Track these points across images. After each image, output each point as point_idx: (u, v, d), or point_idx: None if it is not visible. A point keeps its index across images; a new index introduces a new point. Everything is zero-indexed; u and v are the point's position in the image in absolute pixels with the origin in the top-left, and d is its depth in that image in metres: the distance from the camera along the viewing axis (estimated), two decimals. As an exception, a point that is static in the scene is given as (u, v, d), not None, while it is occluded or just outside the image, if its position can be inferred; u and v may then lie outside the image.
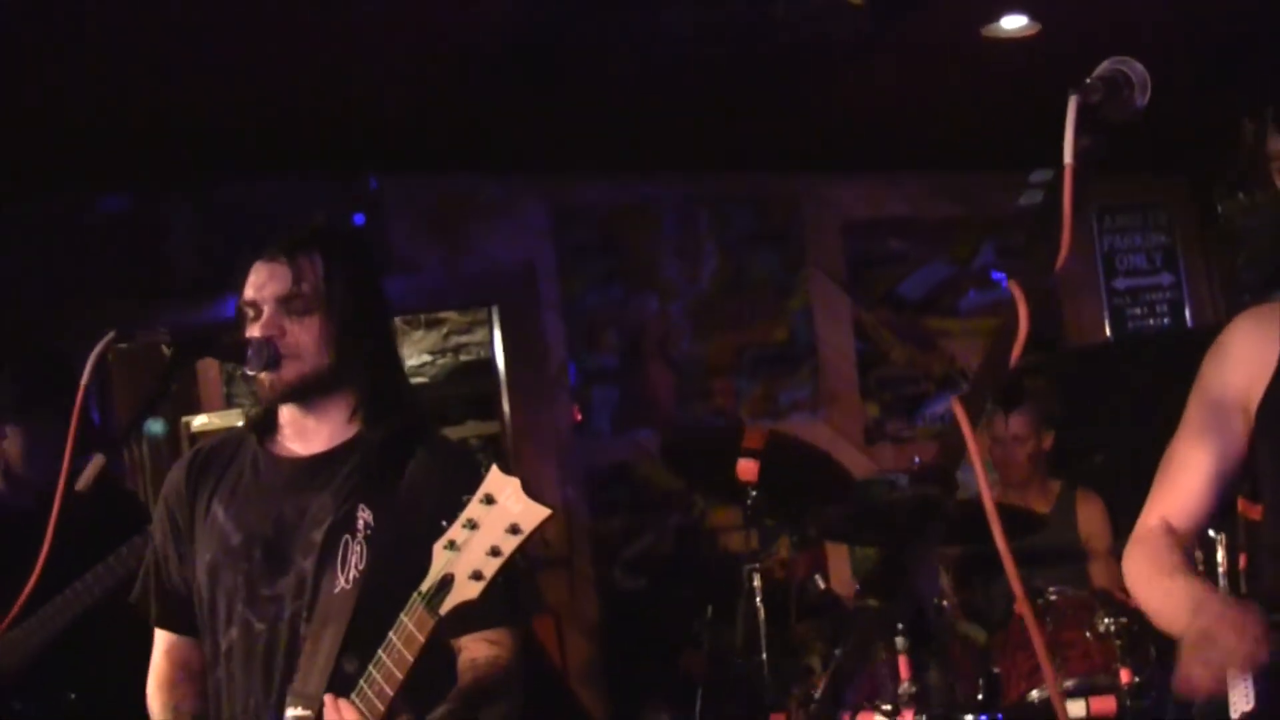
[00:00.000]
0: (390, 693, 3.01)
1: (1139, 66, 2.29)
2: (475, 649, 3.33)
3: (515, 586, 3.25)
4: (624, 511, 7.65)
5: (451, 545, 2.93)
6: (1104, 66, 2.29)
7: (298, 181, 6.93)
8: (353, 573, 3.30)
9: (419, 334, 9.96)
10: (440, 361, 10.17)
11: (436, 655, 3.17)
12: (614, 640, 7.48)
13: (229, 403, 9.68)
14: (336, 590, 3.29)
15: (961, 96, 6.89)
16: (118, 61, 5.36)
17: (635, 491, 7.64)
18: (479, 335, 10.03)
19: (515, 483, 2.88)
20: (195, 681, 3.56)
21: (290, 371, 3.35)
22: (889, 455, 8.05)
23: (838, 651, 5.56)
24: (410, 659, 2.98)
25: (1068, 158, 2.14)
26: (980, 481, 1.87)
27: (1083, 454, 6.86)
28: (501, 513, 2.88)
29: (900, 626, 4.05)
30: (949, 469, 1.87)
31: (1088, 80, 2.26)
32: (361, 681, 3.05)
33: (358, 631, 3.17)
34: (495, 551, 2.88)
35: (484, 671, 3.30)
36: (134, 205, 6.91)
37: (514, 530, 2.87)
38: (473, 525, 2.90)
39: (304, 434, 3.48)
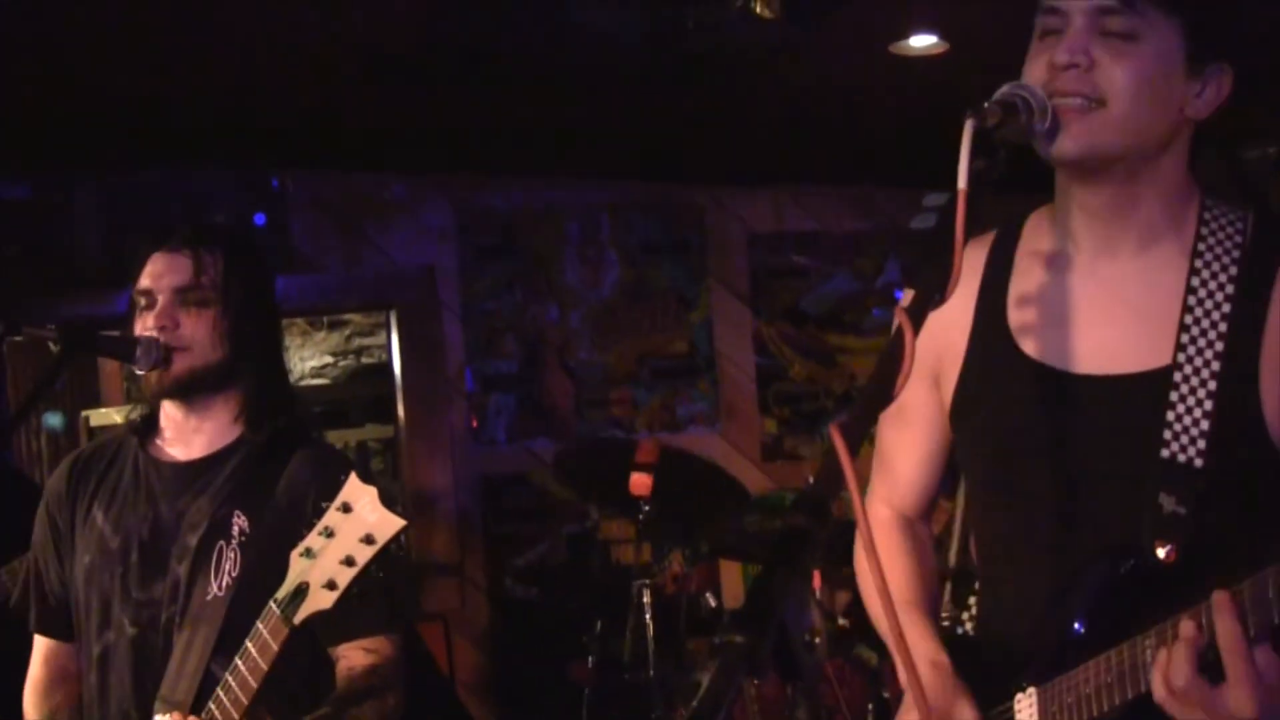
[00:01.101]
0: (245, 701, 3.00)
1: (1040, 92, 2.28)
2: (353, 657, 3.31)
3: (391, 593, 3.23)
4: (517, 520, 7.59)
5: (308, 553, 2.92)
6: (1003, 90, 2.27)
7: (203, 175, 6.84)
8: (226, 579, 3.27)
9: (321, 335, 9.88)
10: (342, 363, 10.09)
11: (315, 664, 3.14)
12: (503, 649, 7.43)
13: (129, 397, 9.54)
14: (209, 597, 3.26)
15: (869, 112, 6.88)
16: (22, 47, 5.26)
17: (529, 500, 7.59)
18: (380, 338, 9.97)
19: (372, 492, 2.88)
20: (72, 688, 3.53)
21: (180, 365, 3.33)
22: (786, 472, 8.02)
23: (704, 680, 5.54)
24: (265, 667, 2.96)
25: (961, 182, 2.09)
26: (857, 509, 1.83)
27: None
28: (357, 522, 2.87)
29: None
30: (824, 498, 1.81)
31: (985, 104, 2.22)
32: (219, 689, 3.04)
33: (229, 638, 3.16)
34: (350, 561, 2.87)
35: (360, 677, 3.28)
36: (37, 194, 6.80)
37: (369, 540, 2.86)
38: (329, 533, 2.90)
39: (185, 436, 3.46)
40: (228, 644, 3.16)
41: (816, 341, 8.21)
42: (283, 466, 3.37)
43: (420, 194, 7.62)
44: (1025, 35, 2.47)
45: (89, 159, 6.70)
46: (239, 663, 3.00)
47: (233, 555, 3.29)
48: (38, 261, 6.76)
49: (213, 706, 3.04)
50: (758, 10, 5.33)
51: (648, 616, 5.54)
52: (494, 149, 7.31)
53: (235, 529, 3.31)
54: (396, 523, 2.87)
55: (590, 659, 6.02)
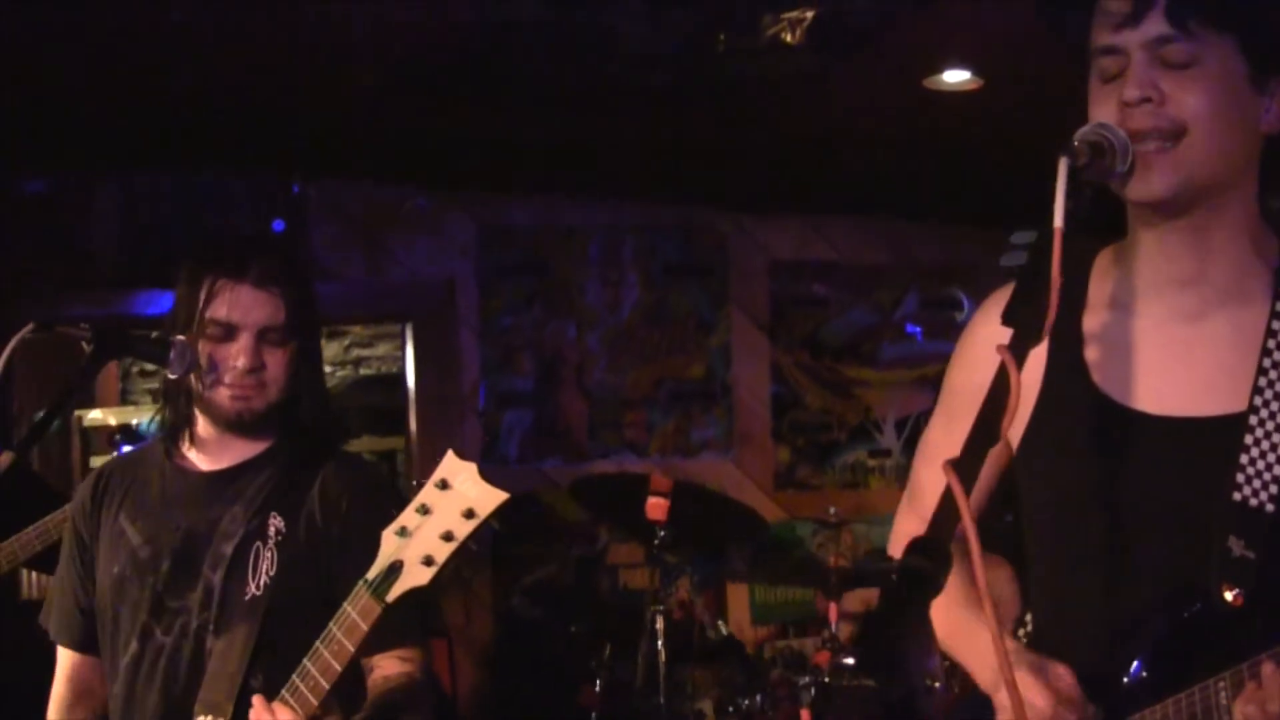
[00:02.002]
0: (326, 685, 2.98)
1: (1121, 133, 2.25)
2: (387, 666, 3.32)
3: (426, 603, 3.22)
4: (526, 538, 7.56)
5: (403, 531, 2.90)
6: (1087, 130, 2.24)
7: (223, 179, 6.82)
8: (263, 579, 3.29)
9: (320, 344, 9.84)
10: (340, 373, 10.09)
11: (350, 674, 3.13)
12: (507, 668, 7.39)
13: (124, 399, 9.54)
14: (247, 597, 3.27)
15: (898, 144, 6.86)
16: (48, 45, 5.24)
17: (539, 519, 7.55)
18: (381, 349, 9.96)
19: (471, 467, 2.88)
20: (96, 703, 3.54)
21: (260, 402, 3.39)
22: (797, 501, 7.99)
23: (745, 702, 5.53)
24: (351, 649, 2.94)
25: (1057, 221, 2.06)
26: (974, 554, 1.78)
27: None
28: (456, 497, 2.86)
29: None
30: (942, 541, 1.77)
31: (1074, 142, 2.19)
32: (295, 676, 3.01)
33: (267, 638, 3.19)
34: (449, 536, 2.86)
35: (397, 685, 3.30)
36: (56, 189, 6.79)
37: (469, 515, 2.85)
38: (425, 510, 2.88)
39: (218, 448, 3.47)
40: (266, 642, 3.19)
41: (833, 372, 8.20)
42: (314, 474, 3.41)
43: (442, 208, 7.59)
44: (1070, 77, 2.45)
45: (110, 158, 6.68)
46: (320, 647, 2.98)
47: (269, 555, 3.32)
48: (54, 258, 6.74)
49: (287, 694, 3.01)
50: (786, 38, 5.32)
51: (660, 643, 5.50)
52: (518, 166, 7.29)
53: (271, 529, 3.34)
54: (499, 495, 2.86)
55: (598, 683, 5.98)
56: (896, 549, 2.81)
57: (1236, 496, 2.31)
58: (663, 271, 7.93)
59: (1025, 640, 2.64)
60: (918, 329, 8.34)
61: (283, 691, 3.02)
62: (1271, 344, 2.37)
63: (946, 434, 2.69)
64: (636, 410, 7.86)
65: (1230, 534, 2.30)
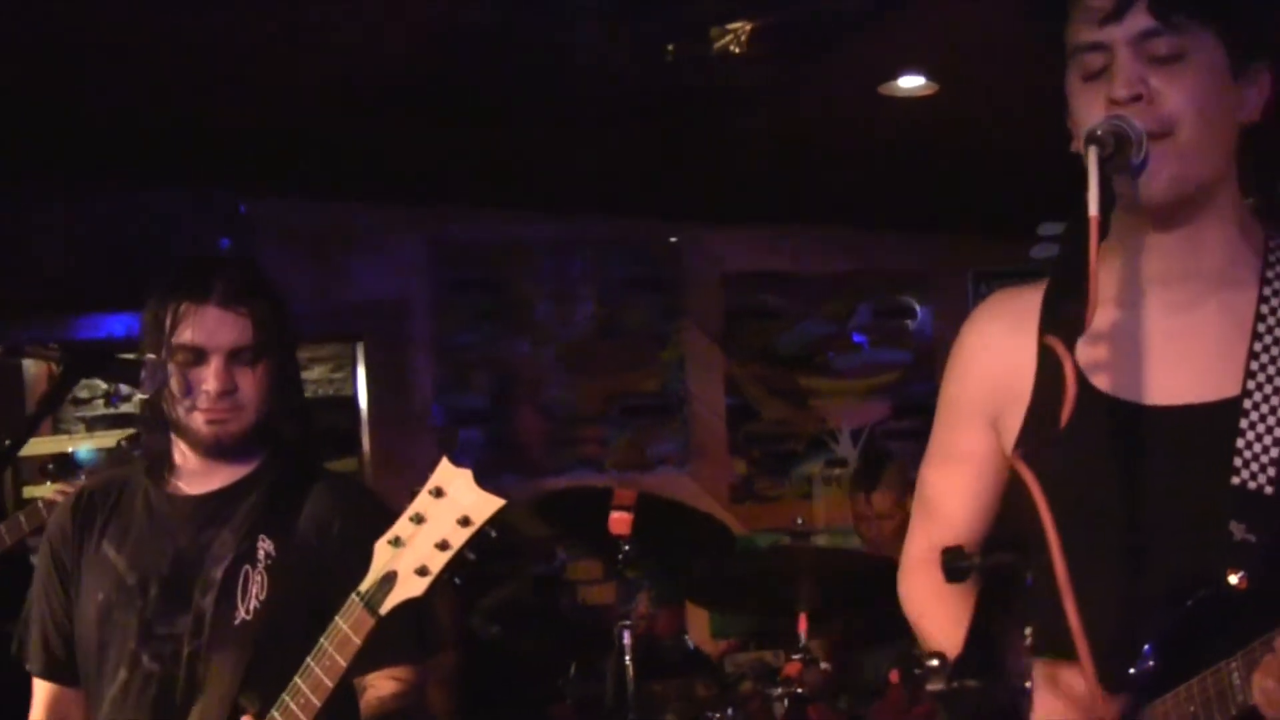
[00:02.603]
0: (318, 703, 2.92)
1: (1137, 123, 2.23)
2: (381, 686, 3.28)
3: (422, 620, 3.18)
4: (483, 558, 7.48)
5: (396, 541, 2.84)
6: (1106, 120, 2.22)
7: (168, 198, 6.74)
8: (253, 602, 3.24)
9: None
10: (283, 394, 9.97)
11: (342, 694, 3.07)
12: (470, 689, 7.31)
13: (56, 428, 9.40)
14: (236, 621, 3.22)
15: (853, 152, 6.84)
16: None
17: (497, 537, 7.47)
18: (317, 372, 9.86)
19: (466, 474, 2.85)
20: None
21: (236, 425, 3.32)
22: (755, 514, 7.97)
23: (716, 715, 5.48)
24: (344, 665, 2.89)
25: (1092, 210, 2.04)
26: (1054, 547, 1.74)
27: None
28: (451, 505, 2.82)
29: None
30: (1022, 536, 1.75)
31: (1098, 132, 2.17)
32: (285, 694, 2.96)
33: (258, 662, 3.14)
34: (444, 545, 2.81)
35: (391, 707, 3.26)
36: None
37: (465, 522, 2.81)
38: (419, 519, 2.83)
39: (202, 471, 3.40)
40: (257, 667, 3.14)
41: (788, 383, 8.18)
42: (303, 496, 3.36)
43: (392, 225, 7.54)
44: (1026, 83, 2.42)
45: (51, 177, 6.59)
46: (311, 663, 2.92)
47: (259, 579, 3.26)
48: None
49: (277, 714, 2.97)
50: (734, 49, 5.30)
51: (628, 659, 5.45)
52: (469, 182, 7.25)
53: (261, 553, 3.28)
54: (495, 502, 2.83)
55: (569, 701, 5.93)
56: (912, 571, 2.76)
57: (1235, 480, 2.30)
58: (616, 286, 7.90)
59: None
60: (864, 339, 8.33)
61: (273, 711, 2.98)
62: (1262, 328, 2.36)
63: (950, 441, 2.68)
64: (592, 426, 7.83)
65: (1231, 519, 2.28)
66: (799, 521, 6.75)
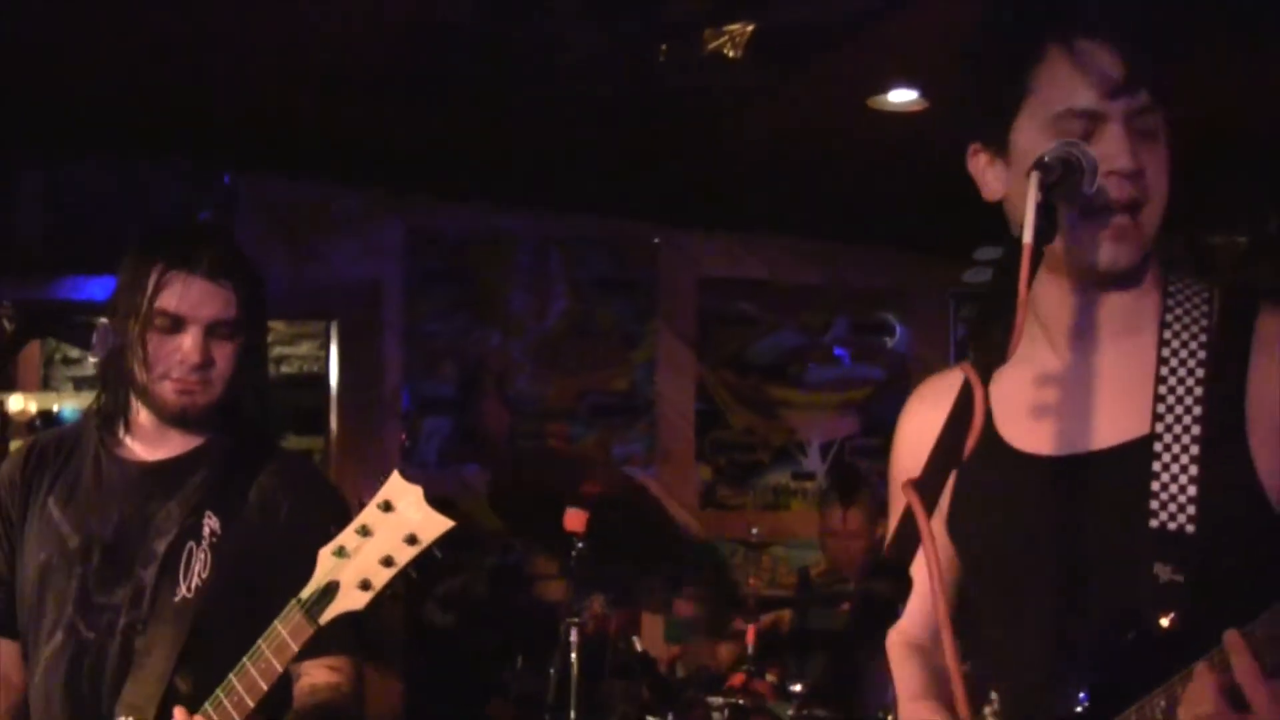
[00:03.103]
0: (251, 704, 2.90)
1: (1091, 152, 2.20)
2: (315, 674, 3.21)
3: (365, 619, 3.13)
4: (441, 545, 7.46)
5: (340, 552, 2.80)
6: (1058, 146, 2.19)
7: (151, 167, 6.71)
8: (195, 580, 3.20)
9: (242, 340, 9.73)
10: (260, 371, 9.95)
11: (275, 690, 3.05)
12: (416, 677, 7.30)
13: (46, 385, 9.41)
14: (177, 598, 3.18)
15: (838, 164, 6.82)
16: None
17: (455, 526, 7.46)
18: (304, 348, 9.86)
19: (417, 491, 2.79)
20: (12, 694, 3.42)
21: (205, 398, 3.28)
22: (718, 520, 7.95)
23: (671, 716, 5.47)
24: (278, 669, 2.86)
25: (1027, 237, 2.02)
26: (931, 569, 1.72)
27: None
28: (399, 521, 2.77)
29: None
30: (902, 564, 1.71)
31: (1045, 159, 2.15)
32: (219, 691, 2.93)
33: (196, 641, 3.11)
34: (389, 561, 2.76)
35: (324, 697, 3.20)
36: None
37: (412, 540, 2.75)
38: (366, 532, 2.79)
39: (155, 437, 3.36)
40: (195, 646, 3.11)
41: (758, 392, 8.16)
42: (253, 472, 3.32)
43: (371, 209, 7.51)
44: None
45: (36, 142, 6.56)
46: (248, 664, 2.89)
47: (203, 556, 3.21)
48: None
49: (210, 709, 2.93)
50: (727, 52, 5.28)
51: (573, 656, 5.43)
52: (450, 171, 7.21)
53: (206, 530, 3.24)
54: (444, 524, 2.76)
55: (510, 694, 5.90)
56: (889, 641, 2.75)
57: (1154, 523, 2.28)
58: (591, 283, 7.87)
59: (991, 707, 2.63)
60: (845, 352, 8.32)
61: (205, 705, 2.95)
62: (1165, 370, 2.36)
63: None
64: (558, 421, 7.81)
65: (1155, 560, 2.26)
66: (754, 532, 6.72)
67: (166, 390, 3.26)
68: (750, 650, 5.58)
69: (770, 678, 5.55)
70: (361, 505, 2.80)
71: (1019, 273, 2.00)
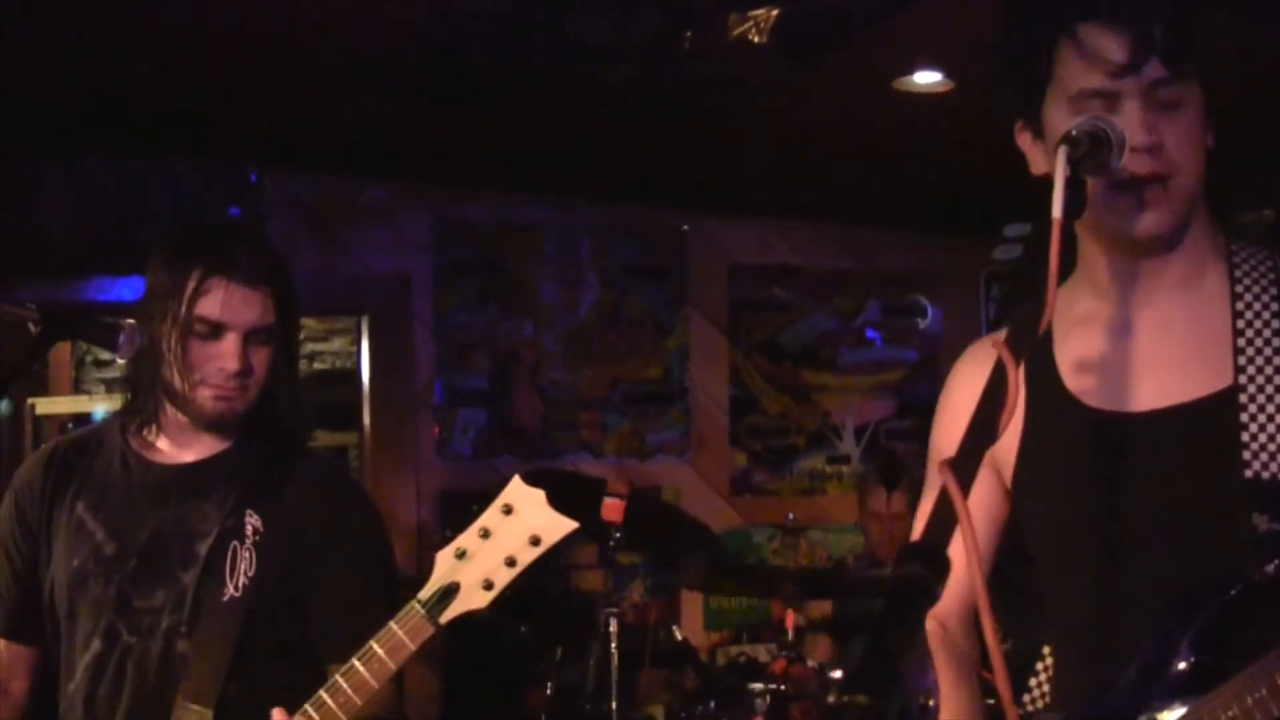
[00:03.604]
0: (359, 703, 2.95)
1: (1118, 125, 2.22)
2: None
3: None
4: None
5: (461, 554, 2.92)
6: (1084, 120, 2.20)
7: (178, 164, 6.71)
8: (242, 579, 3.21)
9: (274, 336, 9.73)
10: (292, 367, 9.96)
11: (316, 683, 3.06)
12: (454, 669, 7.29)
13: (77, 388, 9.43)
14: (225, 598, 3.19)
15: (865, 147, 6.79)
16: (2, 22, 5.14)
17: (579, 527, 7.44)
18: (336, 344, 9.87)
19: (539, 495, 2.92)
20: (13, 699, 3.43)
21: (242, 403, 3.29)
22: (753, 506, 7.93)
23: (698, 708, 5.46)
24: (393, 668, 2.93)
25: (1056, 212, 2.02)
26: (969, 551, 1.70)
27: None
28: (522, 523, 2.90)
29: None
30: (938, 546, 1.69)
31: (1073, 133, 2.15)
32: (323, 692, 2.97)
33: (247, 639, 3.14)
34: (512, 561, 2.90)
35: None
36: (3, 172, 6.66)
37: (535, 542, 2.89)
38: (486, 534, 2.91)
39: (184, 438, 3.36)
40: (247, 644, 3.14)
41: (792, 377, 8.14)
42: (287, 471, 3.33)
43: (400, 202, 7.50)
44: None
45: (61, 140, 6.57)
46: (357, 664, 2.93)
47: (248, 555, 3.23)
48: (1, 241, 6.62)
49: (312, 710, 2.97)
50: (753, 38, 5.25)
51: (613, 646, 5.42)
52: (478, 161, 7.20)
53: (249, 528, 3.25)
54: (567, 525, 2.91)
55: (548, 686, 5.89)
56: None
57: (1249, 473, 2.30)
58: (621, 272, 7.86)
59: (1046, 674, 2.62)
60: (877, 335, 8.30)
61: (306, 707, 2.97)
62: (1241, 323, 2.39)
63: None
64: (592, 411, 7.80)
65: (1252, 512, 2.28)
66: (790, 518, 6.71)
67: (204, 396, 3.26)
68: (790, 636, 5.57)
69: (811, 663, 5.53)
70: (380, 500, 2.84)
71: (1048, 248, 1.99)
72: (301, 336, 10.04)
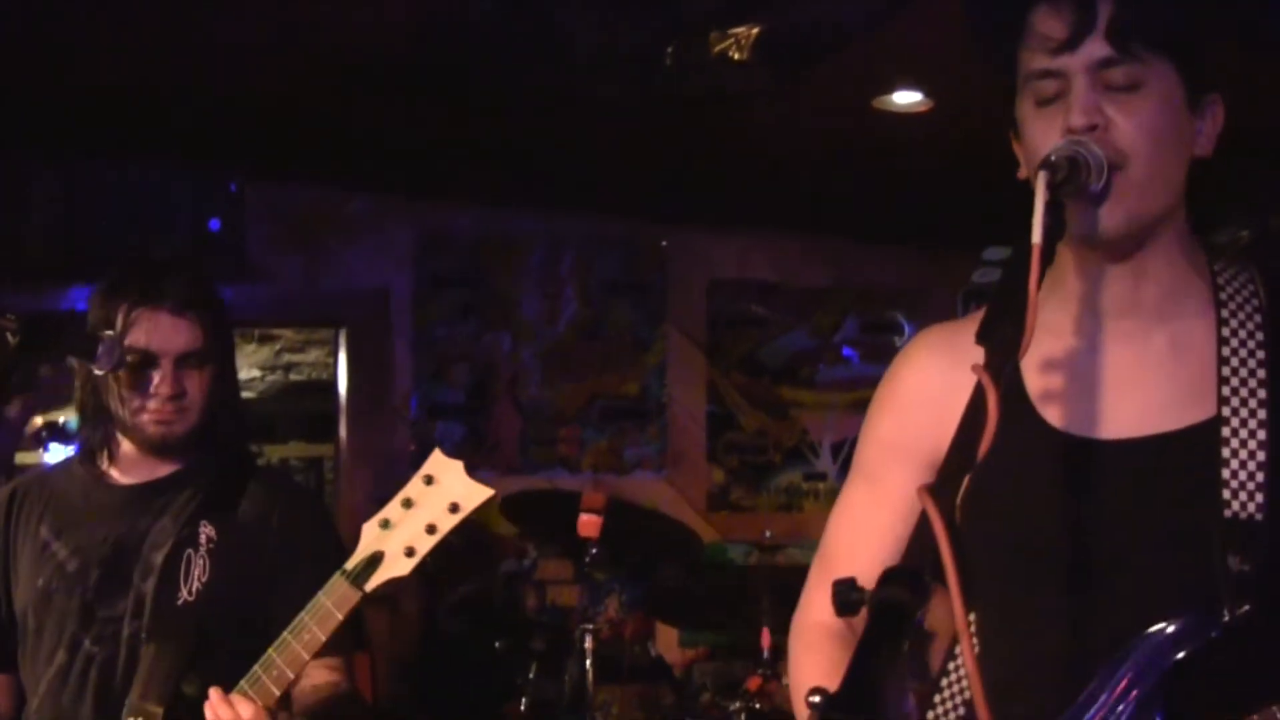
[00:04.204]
0: (291, 675, 3.04)
1: (1097, 150, 2.16)
2: (314, 674, 3.33)
3: (357, 616, 3.22)
4: (453, 552, 7.45)
5: (385, 524, 2.99)
6: (1063, 145, 2.14)
7: (161, 173, 6.72)
8: (196, 585, 3.32)
9: (251, 348, 9.75)
10: (270, 378, 9.99)
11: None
12: (430, 684, 7.28)
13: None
14: (179, 603, 3.30)
15: (843, 165, 6.82)
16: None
17: (468, 532, 7.44)
18: (312, 355, 9.86)
19: (458, 465, 3.01)
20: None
21: (182, 426, 3.42)
22: (730, 523, 7.94)
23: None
24: (322, 639, 3.00)
25: (1036, 236, 1.97)
26: (951, 577, 1.68)
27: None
28: (442, 491, 2.97)
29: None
30: (919, 570, 1.68)
31: (1052, 157, 2.10)
32: (257, 668, 3.05)
33: (201, 643, 3.24)
34: (432, 529, 2.96)
35: (326, 694, 3.35)
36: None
37: (454, 509, 2.97)
38: (409, 504, 2.98)
39: (141, 465, 3.50)
40: (200, 649, 3.22)
41: (770, 394, 8.14)
42: (241, 486, 3.47)
43: (382, 213, 7.51)
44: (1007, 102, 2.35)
45: (45, 149, 6.57)
46: (289, 638, 3.02)
47: (201, 562, 3.34)
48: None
49: (247, 685, 3.04)
50: (734, 55, 5.28)
51: (587, 662, 5.42)
52: (460, 174, 7.21)
53: (203, 537, 3.37)
54: (484, 492, 3.00)
55: (523, 701, 5.89)
56: (805, 618, 2.59)
57: (1227, 512, 2.20)
58: (601, 287, 7.86)
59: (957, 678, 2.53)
60: (854, 352, 8.30)
61: (241, 683, 3.05)
62: (1227, 350, 2.29)
63: (870, 495, 2.53)
64: (570, 426, 7.79)
65: (1227, 551, 2.18)
66: (767, 535, 6.73)
67: (145, 421, 3.40)
68: (766, 654, 5.56)
69: (786, 681, 5.52)
70: (356, 512, 2.91)
71: (1028, 272, 1.95)
72: (278, 347, 10.06)
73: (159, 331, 3.37)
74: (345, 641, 3.29)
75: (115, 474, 3.51)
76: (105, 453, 3.49)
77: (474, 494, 2.98)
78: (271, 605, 3.19)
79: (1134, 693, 2.20)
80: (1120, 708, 2.19)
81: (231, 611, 3.28)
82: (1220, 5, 2.64)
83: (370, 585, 2.96)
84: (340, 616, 2.98)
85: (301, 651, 3.00)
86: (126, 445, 3.48)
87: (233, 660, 3.12)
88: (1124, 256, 2.31)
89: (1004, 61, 2.31)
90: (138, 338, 3.35)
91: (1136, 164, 2.21)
